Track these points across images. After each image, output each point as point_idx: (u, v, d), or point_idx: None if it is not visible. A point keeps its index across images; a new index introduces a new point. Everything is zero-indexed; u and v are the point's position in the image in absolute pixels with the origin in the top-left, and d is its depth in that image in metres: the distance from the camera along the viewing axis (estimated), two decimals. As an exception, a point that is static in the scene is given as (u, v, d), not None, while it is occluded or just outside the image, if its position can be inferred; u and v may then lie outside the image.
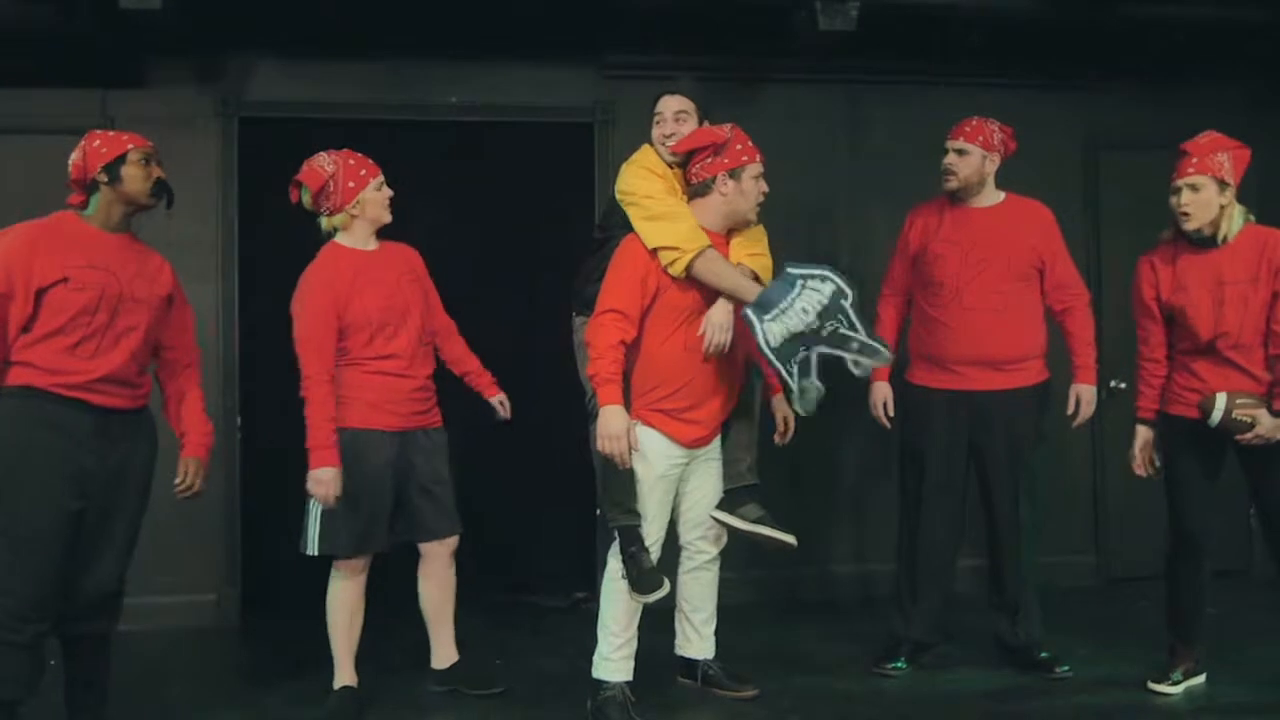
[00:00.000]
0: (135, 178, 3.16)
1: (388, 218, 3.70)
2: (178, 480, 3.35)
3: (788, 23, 4.52)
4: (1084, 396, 3.97)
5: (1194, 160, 3.59)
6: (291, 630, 4.68)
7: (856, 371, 3.41)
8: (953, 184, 3.96)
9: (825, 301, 3.33)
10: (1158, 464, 3.77)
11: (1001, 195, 4.01)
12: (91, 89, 4.70)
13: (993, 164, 3.96)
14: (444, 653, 3.90)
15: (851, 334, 3.35)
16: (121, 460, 3.17)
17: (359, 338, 3.59)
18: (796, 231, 4.81)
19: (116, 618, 3.29)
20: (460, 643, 3.92)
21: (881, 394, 4.09)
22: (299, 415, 3.52)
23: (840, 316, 3.34)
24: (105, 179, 3.14)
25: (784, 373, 3.35)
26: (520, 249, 5.09)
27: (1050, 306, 4.01)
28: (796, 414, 3.46)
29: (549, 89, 5.08)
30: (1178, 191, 3.60)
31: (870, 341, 3.35)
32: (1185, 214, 3.59)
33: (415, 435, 3.68)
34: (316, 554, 3.58)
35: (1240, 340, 3.59)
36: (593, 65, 5.08)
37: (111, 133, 3.25)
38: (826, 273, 3.36)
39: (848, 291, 3.36)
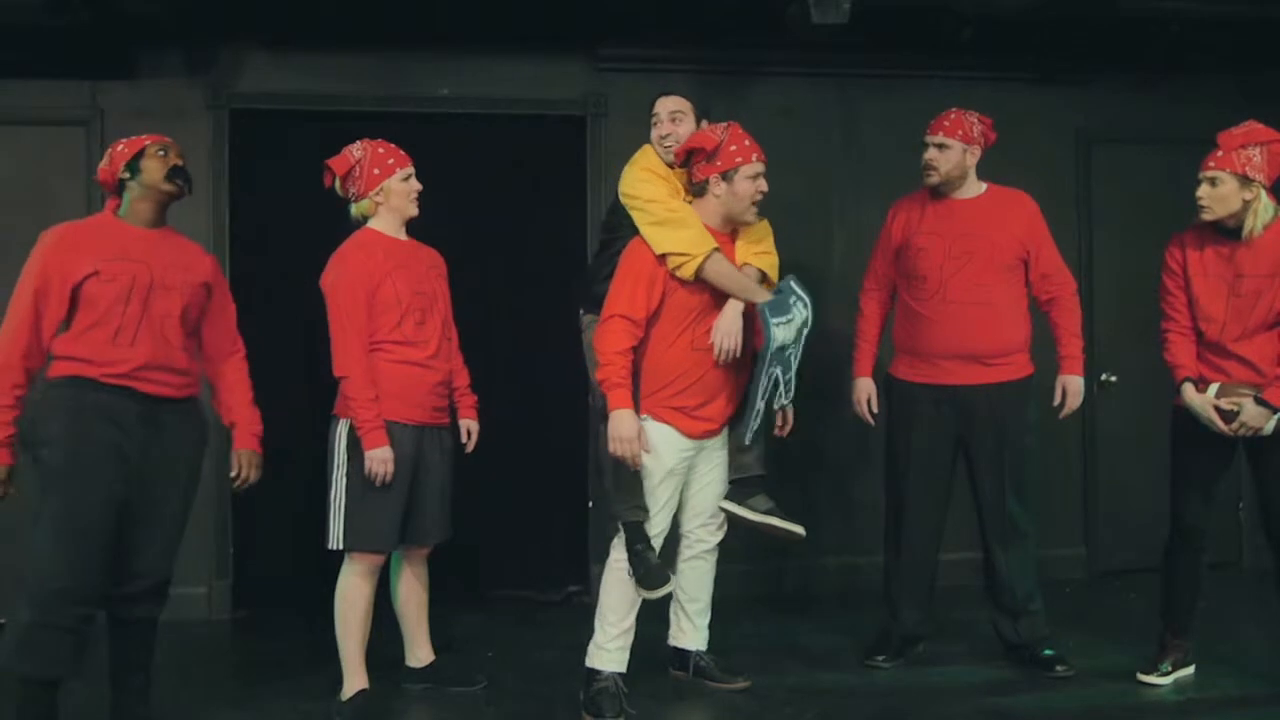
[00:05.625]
0: (152, 168, 3.31)
1: (413, 211, 3.65)
2: (232, 473, 3.46)
3: (781, 16, 4.51)
4: (1071, 388, 3.94)
5: (1218, 154, 3.56)
6: (282, 622, 4.69)
7: (782, 401, 3.53)
8: (934, 179, 3.94)
9: (799, 325, 3.46)
10: (1230, 410, 3.55)
11: (983, 186, 3.98)
12: (82, 80, 4.69)
13: (973, 156, 3.93)
14: (422, 652, 3.86)
15: (793, 363, 3.50)
16: (167, 448, 3.27)
17: (388, 318, 3.52)
18: (790, 226, 4.78)
19: (164, 602, 3.37)
20: (453, 637, 3.89)
21: (865, 390, 4.09)
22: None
23: (800, 344, 3.49)
24: (128, 175, 3.32)
25: (773, 381, 3.45)
26: (512, 242, 5.08)
27: (1036, 297, 3.98)
28: (742, 439, 3.56)
29: (541, 81, 5.07)
30: (1199, 183, 3.58)
31: (793, 378, 3.51)
32: (1201, 207, 3.58)
33: (434, 433, 3.63)
34: (342, 549, 3.52)
35: (1246, 333, 3.60)
36: (585, 58, 5.07)
37: (135, 137, 3.40)
38: (807, 300, 3.49)
39: (810, 324, 3.51)
